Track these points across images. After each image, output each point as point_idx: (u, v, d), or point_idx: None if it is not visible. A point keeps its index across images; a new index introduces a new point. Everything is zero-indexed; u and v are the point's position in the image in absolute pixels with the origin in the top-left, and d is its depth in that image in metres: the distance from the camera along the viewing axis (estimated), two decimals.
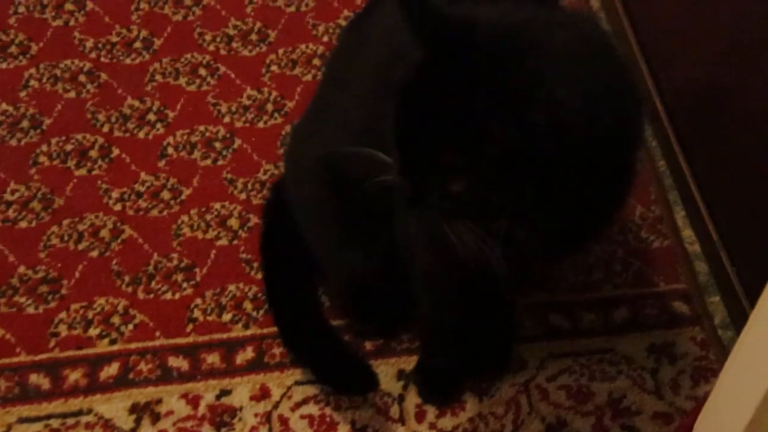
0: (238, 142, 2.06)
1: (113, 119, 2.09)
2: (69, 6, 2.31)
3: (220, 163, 2.03)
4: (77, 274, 1.85)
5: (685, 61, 2.02)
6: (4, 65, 2.18)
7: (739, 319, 1.78)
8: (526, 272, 1.61)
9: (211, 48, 2.25)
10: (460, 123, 1.13)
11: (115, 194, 1.97)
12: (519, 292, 1.77)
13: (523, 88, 1.11)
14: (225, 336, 1.78)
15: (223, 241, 1.91)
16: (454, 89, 1.14)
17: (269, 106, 2.13)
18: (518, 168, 1.14)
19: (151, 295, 1.83)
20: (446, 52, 1.16)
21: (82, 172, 2.00)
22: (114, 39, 2.25)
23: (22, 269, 1.85)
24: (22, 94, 2.13)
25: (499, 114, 1.10)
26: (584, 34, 1.26)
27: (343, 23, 2.30)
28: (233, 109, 2.12)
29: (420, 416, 1.70)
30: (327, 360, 1.72)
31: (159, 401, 1.69)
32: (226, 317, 1.80)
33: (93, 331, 1.78)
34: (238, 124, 2.10)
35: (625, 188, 1.37)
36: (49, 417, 1.67)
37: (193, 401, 1.70)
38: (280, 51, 2.25)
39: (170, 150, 2.04)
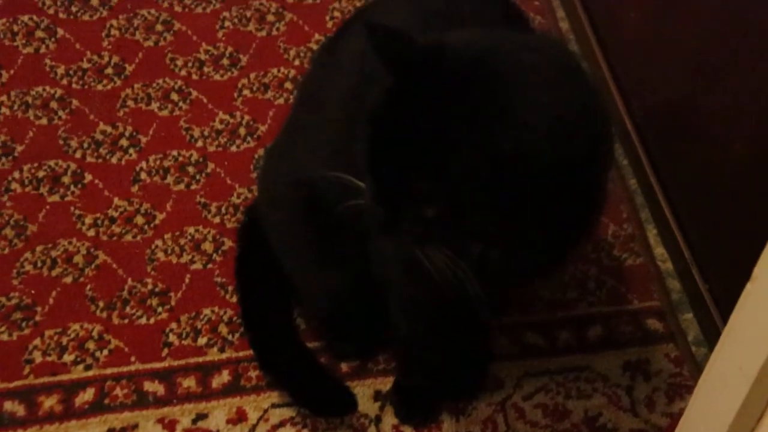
0: (211, 166, 2.06)
1: (85, 145, 2.09)
2: (40, 33, 2.31)
3: (193, 187, 2.03)
4: (51, 301, 1.84)
5: (654, 82, 2.04)
6: None
7: (712, 336, 1.79)
8: (500, 293, 1.61)
9: (183, 73, 2.25)
10: (431, 150, 1.13)
11: (88, 220, 1.96)
12: (494, 312, 1.78)
13: (489, 116, 1.11)
14: (201, 360, 1.78)
15: (198, 265, 1.91)
16: (424, 115, 1.14)
17: (242, 130, 2.13)
18: (488, 194, 1.14)
19: (126, 320, 1.82)
20: (415, 78, 1.16)
21: (55, 198, 1.99)
22: (85, 65, 2.25)
23: None
24: None
25: (467, 141, 1.11)
26: (552, 57, 1.26)
27: (314, 47, 2.31)
28: (206, 133, 2.13)
29: None
30: (305, 382, 1.72)
31: (135, 426, 1.69)
32: (202, 341, 1.80)
33: (68, 357, 1.77)
34: (211, 149, 2.10)
35: (597, 209, 1.38)
36: None
37: (170, 426, 1.69)
38: (252, 75, 2.25)
39: (143, 175, 2.04)
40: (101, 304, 1.84)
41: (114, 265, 1.90)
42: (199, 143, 2.11)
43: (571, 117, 1.18)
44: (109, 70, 2.24)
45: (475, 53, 1.18)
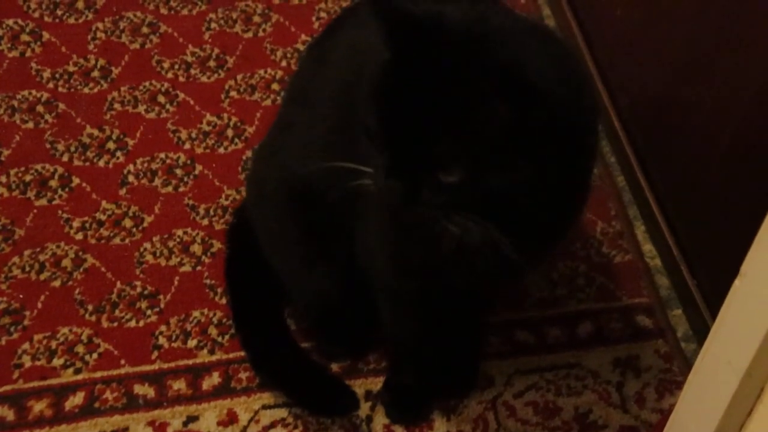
0: (199, 168, 2.06)
1: (72, 148, 2.08)
2: (25, 37, 2.31)
3: (181, 189, 2.02)
4: (40, 305, 1.84)
5: (640, 79, 2.04)
6: None
7: (701, 332, 1.79)
8: (489, 287, 1.61)
9: (170, 75, 2.25)
10: (446, 112, 1.14)
11: (76, 223, 1.96)
12: (484, 309, 1.78)
13: (509, 65, 1.13)
14: (191, 362, 1.78)
15: (187, 268, 1.90)
16: (433, 80, 1.15)
17: (229, 132, 2.13)
18: (512, 145, 1.15)
19: (115, 324, 1.82)
20: (418, 47, 1.17)
21: (43, 202, 1.99)
22: (71, 68, 2.24)
23: None
24: None
25: (480, 96, 1.12)
26: (538, 28, 1.35)
27: (301, 48, 2.31)
28: (193, 135, 2.12)
29: None
30: (302, 382, 1.72)
31: (126, 429, 1.68)
32: (192, 343, 1.80)
33: (57, 361, 1.76)
34: (199, 151, 2.10)
35: (582, 197, 1.40)
36: None
37: (160, 428, 1.69)
38: (239, 77, 2.25)
39: (131, 178, 2.04)
40: (90, 307, 1.84)
41: (102, 269, 1.89)
42: (187, 145, 2.11)
43: (564, 79, 1.22)
44: (95, 73, 2.24)
45: (472, 18, 1.21)
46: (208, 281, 1.88)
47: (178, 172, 2.05)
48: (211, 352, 1.79)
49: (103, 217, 1.97)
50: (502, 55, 1.16)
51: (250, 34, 2.35)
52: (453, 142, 1.15)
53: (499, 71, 1.12)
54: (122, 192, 2.02)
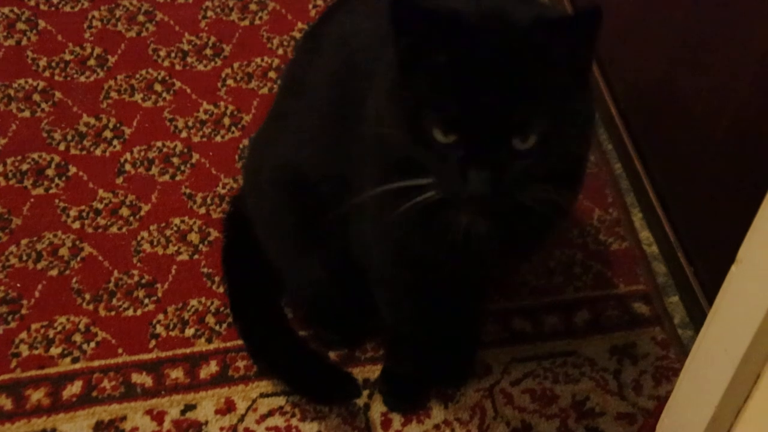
0: (195, 156, 2.06)
1: (69, 137, 2.08)
2: (21, 25, 2.30)
3: (178, 178, 2.02)
4: (37, 294, 1.84)
5: (637, 65, 2.04)
6: None
7: (698, 319, 1.79)
8: (488, 272, 1.61)
9: (166, 63, 2.24)
10: (513, 77, 1.15)
11: (73, 212, 1.96)
12: (481, 297, 1.78)
13: (542, 15, 1.20)
14: (188, 351, 1.78)
15: (184, 256, 1.90)
16: (488, 60, 1.16)
17: (226, 120, 2.13)
18: (568, 87, 1.19)
19: (113, 312, 1.82)
20: (444, 37, 1.17)
21: (40, 191, 1.99)
22: (67, 57, 2.24)
23: None
24: None
25: (541, 40, 1.15)
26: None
27: (298, 36, 2.30)
28: (190, 123, 2.12)
29: (386, 425, 1.70)
30: (302, 370, 1.72)
31: (123, 418, 1.69)
32: (189, 332, 1.80)
33: (55, 350, 1.76)
34: (196, 139, 2.09)
35: (580, 170, 1.41)
36: None
37: (158, 417, 1.69)
38: (236, 65, 2.25)
39: (128, 166, 2.04)
40: (87, 296, 1.84)
41: (100, 258, 1.89)
42: (184, 134, 2.10)
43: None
44: (91, 62, 2.24)
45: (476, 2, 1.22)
46: (205, 270, 1.88)
47: (175, 160, 2.05)
48: (209, 340, 1.79)
49: (100, 206, 1.97)
50: (530, 11, 1.19)
51: (246, 22, 2.34)
52: (527, 104, 1.16)
53: (539, 21, 1.16)
54: (119, 181, 2.02)
